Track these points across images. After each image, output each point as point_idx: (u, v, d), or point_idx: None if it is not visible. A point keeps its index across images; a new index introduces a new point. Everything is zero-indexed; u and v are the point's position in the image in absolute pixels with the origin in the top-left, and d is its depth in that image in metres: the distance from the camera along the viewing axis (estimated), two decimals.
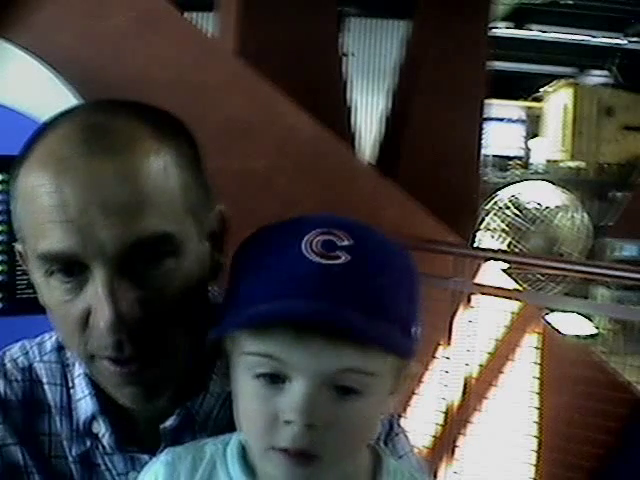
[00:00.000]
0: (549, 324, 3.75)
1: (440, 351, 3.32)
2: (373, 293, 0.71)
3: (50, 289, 0.81)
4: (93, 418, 0.88)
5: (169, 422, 0.86)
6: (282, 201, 3.10)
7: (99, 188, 0.76)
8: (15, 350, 0.94)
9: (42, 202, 0.78)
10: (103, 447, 0.88)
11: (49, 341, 0.94)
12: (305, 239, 0.72)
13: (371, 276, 0.72)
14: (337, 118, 4.72)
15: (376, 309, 0.71)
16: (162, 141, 0.81)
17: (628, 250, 8.29)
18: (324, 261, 0.70)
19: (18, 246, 0.86)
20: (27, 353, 0.93)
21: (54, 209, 0.77)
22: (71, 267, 0.78)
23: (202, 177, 0.86)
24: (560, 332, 4.01)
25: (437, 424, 3.34)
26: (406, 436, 0.94)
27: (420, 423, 3.34)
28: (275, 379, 0.71)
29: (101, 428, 0.87)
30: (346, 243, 0.71)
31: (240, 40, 4.74)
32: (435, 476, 3.25)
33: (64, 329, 0.82)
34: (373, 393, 0.72)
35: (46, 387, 0.91)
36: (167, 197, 0.79)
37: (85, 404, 0.88)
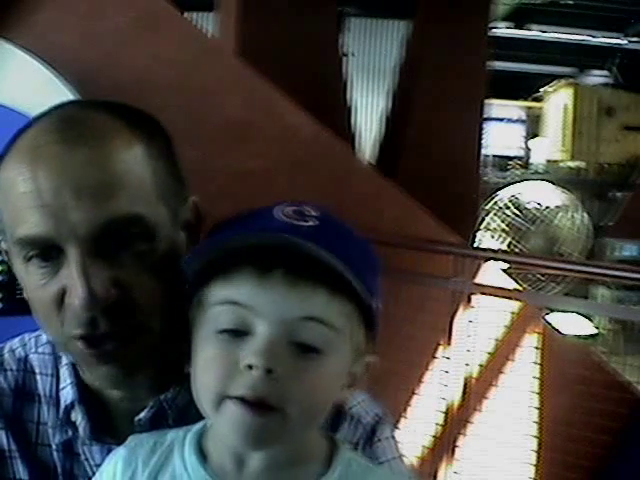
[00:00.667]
0: (549, 324, 3.75)
1: (440, 351, 3.32)
2: (341, 251, 0.73)
3: (28, 275, 0.83)
4: (72, 406, 0.90)
5: (143, 414, 0.88)
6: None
7: (71, 172, 0.80)
8: (15, 342, 0.98)
9: (19, 189, 0.81)
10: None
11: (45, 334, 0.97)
12: (276, 207, 0.76)
13: (338, 238, 0.75)
14: (337, 118, 4.71)
15: (344, 260, 0.72)
16: (134, 132, 0.85)
17: (628, 250, 8.30)
18: (295, 222, 0.74)
19: (2, 244, 0.88)
20: (25, 345, 0.97)
21: (30, 195, 0.80)
22: (48, 251, 0.81)
23: (175, 169, 0.89)
24: (560, 332, 4.01)
25: (437, 424, 3.34)
26: (393, 443, 0.93)
27: (420, 423, 3.34)
28: (238, 334, 0.72)
29: (78, 416, 0.90)
30: (314, 214, 0.76)
31: (240, 40, 4.74)
32: (435, 476, 3.26)
33: (42, 312, 0.85)
34: (333, 353, 0.73)
35: (38, 377, 0.94)
36: (137, 182, 0.83)
37: (66, 393, 0.91)
